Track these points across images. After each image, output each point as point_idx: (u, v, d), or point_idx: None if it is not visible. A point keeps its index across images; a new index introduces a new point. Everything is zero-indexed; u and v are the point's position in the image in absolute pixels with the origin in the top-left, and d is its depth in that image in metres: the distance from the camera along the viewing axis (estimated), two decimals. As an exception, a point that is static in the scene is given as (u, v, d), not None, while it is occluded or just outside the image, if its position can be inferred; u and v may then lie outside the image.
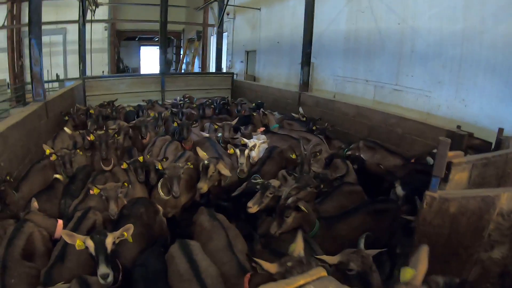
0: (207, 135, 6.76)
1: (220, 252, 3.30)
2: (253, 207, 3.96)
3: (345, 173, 5.19)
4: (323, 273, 1.98)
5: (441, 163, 2.90)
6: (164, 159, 5.00)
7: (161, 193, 4.63)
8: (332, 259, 2.77)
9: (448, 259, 2.93)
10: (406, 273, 2.16)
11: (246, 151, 5.44)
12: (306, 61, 9.81)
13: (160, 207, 4.21)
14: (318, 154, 5.37)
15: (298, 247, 2.59)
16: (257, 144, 5.79)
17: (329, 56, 11.28)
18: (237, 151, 5.39)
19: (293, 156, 5.32)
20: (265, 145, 6.10)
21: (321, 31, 11.00)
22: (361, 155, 6.04)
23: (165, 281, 2.96)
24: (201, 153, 5.12)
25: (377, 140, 6.31)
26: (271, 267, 2.42)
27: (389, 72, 9.11)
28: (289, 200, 3.55)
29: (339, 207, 4.30)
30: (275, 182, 4.15)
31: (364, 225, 3.75)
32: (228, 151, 5.60)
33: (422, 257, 2.21)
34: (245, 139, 5.99)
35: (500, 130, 4.93)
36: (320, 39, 11.01)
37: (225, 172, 4.78)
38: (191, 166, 4.85)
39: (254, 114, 8.46)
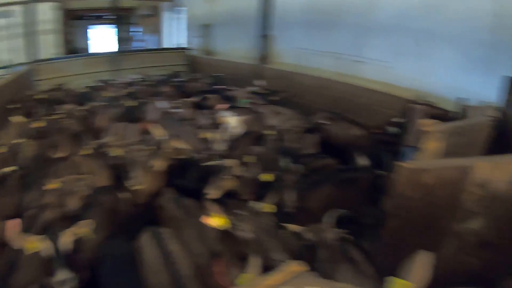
0: (164, 109, 6.42)
1: (191, 243, 3.14)
2: (212, 193, 3.70)
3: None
4: (299, 268, 1.80)
5: (415, 132, 2.76)
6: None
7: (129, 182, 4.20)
8: (294, 227, 2.78)
9: (423, 232, 2.82)
10: (396, 285, 1.90)
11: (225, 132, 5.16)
12: (264, 33, 9.54)
13: (127, 195, 3.92)
14: (292, 129, 5.21)
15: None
16: (235, 121, 5.53)
17: (289, 28, 10.94)
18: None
19: (270, 133, 5.12)
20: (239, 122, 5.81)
21: (280, 3, 10.65)
22: (324, 126, 5.95)
23: (135, 271, 2.78)
24: (156, 130, 4.78)
25: (339, 111, 6.21)
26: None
27: (351, 44, 8.94)
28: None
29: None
30: (230, 162, 3.95)
31: (334, 196, 3.72)
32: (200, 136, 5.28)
33: (419, 266, 1.93)
34: (224, 117, 5.70)
35: (460, 99, 5.15)
36: (280, 11, 10.68)
37: (182, 146, 4.52)
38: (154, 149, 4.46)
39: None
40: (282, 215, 3.34)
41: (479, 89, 5.93)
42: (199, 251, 3.01)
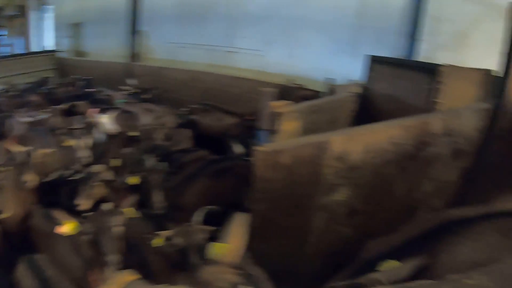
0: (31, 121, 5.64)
1: (66, 257, 2.83)
2: (83, 203, 3.27)
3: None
4: (131, 277, 1.71)
5: (265, 115, 2.62)
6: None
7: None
8: (164, 233, 2.60)
9: (292, 212, 2.77)
10: (215, 249, 1.93)
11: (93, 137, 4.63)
12: (135, 29, 9.04)
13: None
14: (164, 126, 4.85)
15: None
16: (107, 119, 4.97)
17: (161, 23, 10.54)
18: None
19: (133, 134, 4.67)
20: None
21: (151, -3, 10.24)
22: (197, 119, 5.70)
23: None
24: (16, 147, 4.11)
25: (212, 102, 6.01)
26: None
27: (223, 35, 8.88)
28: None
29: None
30: (98, 168, 3.55)
31: (210, 189, 3.59)
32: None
33: (236, 228, 1.97)
34: (97, 118, 5.09)
35: (329, 80, 5.39)
36: (151, 6, 10.26)
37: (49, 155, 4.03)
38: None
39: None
40: (157, 218, 3.19)
41: (347, 69, 6.20)
42: (74, 265, 2.74)
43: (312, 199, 2.72)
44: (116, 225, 2.57)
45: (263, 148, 2.56)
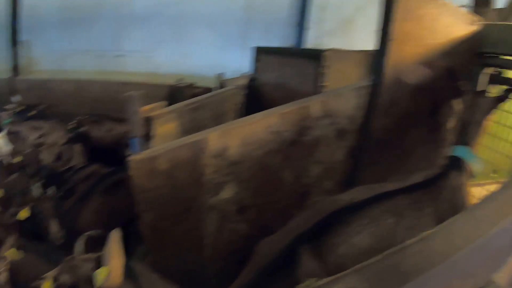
0: None
1: None
2: None
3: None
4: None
5: (135, 121, 2.42)
6: None
7: None
8: (51, 274, 2.13)
9: (181, 218, 2.61)
10: (101, 275, 1.71)
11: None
12: (16, 40, 8.26)
13: None
14: (51, 144, 4.44)
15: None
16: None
17: (44, 30, 9.70)
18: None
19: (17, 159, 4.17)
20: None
21: (32, 3, 9.39)
22: (86, 132, 5.30)
23: None
24: None
25: (101, 112, 5.65)
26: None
27: (109, 39, 8.48)
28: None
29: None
30: None
31: (105, 205, 3.35)
32: None
33: (113, 247, 1.75)
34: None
35: (220, 75, 5.25)
36: (32, 12, 9.34)
37: None
38: None
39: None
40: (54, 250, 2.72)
41: (238, 62, 6.39)
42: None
43: (199, 201, 2.58)
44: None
45: (137, 157, 2.35)
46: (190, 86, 5.38)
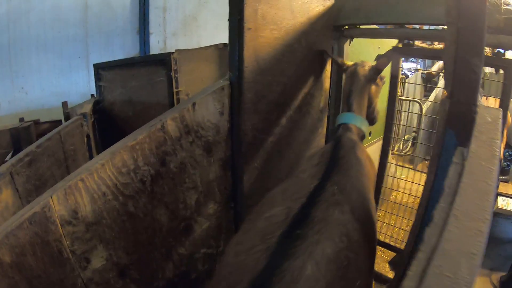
0: None
1: None
2: None
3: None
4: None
5: None
6: None
7: None
8: None
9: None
10: None
11: None
12: None
13: None
14: None
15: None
16: None
17: None
18: None
19: None
20: None
21: None
22: None
23: None
24: None
25: None
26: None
27: None
28: None
29: None
30: None
31: None
32: None
33: None
34: None
35: (64, 104, 4.61)
36: None
37: None
38: None
39: None
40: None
41: (86, 84, 6.14)
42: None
43: (70, 282, 2.02)
44: None
45: None
46: (35, 123, 4.68)
